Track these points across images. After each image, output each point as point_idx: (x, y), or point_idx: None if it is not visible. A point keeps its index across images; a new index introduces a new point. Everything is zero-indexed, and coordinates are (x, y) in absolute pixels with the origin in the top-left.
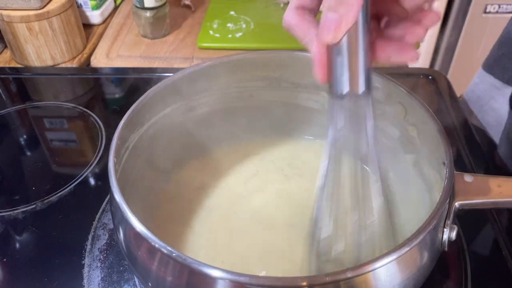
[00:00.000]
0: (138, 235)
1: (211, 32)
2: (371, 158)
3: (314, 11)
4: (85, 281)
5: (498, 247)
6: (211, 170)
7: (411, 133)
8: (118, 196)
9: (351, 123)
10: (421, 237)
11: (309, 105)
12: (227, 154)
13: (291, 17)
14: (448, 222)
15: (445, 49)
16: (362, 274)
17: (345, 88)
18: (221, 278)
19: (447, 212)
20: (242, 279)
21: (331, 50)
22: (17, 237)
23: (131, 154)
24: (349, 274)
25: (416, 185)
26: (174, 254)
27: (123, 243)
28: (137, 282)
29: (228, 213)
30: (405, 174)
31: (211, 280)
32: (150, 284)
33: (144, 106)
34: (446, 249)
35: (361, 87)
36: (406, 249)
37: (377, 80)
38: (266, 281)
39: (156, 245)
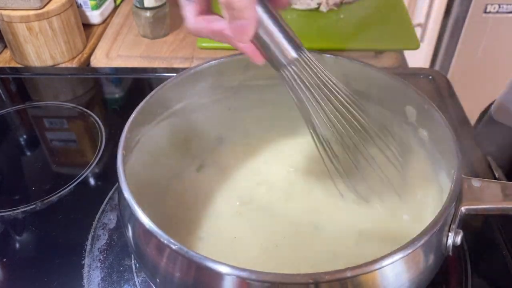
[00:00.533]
0: (147, 231)
1: None
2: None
3: (210, 11)
4: (85, 281)
5: (499, 248)
6: (219, 169)
7: (421, 136)
8: (127, 193)
9: (308, 80)
10: (425, 238)
11: None
12: (235, 153)
13: (198, 24)
14: (454, 226)
15: (445, 49)
16: (363, 274)
17: (283, 60)
18: (228, 274)
19: (453, 216)
20: (247, 275)
21: (254, 39)
22: (17, 237)
23: (139, 150)
24: (348, 274)
25: (425, 189)
26: (182, 250)
27: (131, 240)
28: (137, 282)
29: (235, 215)
30: (413, 177)
31: (218, 276)
32: (158, 280)
33: (155, 101)
34: (450, 253)
35: (293, 53)
36: (409, 250)
37: (388, 82)
38: (270, 278)
39: (165, 241)
